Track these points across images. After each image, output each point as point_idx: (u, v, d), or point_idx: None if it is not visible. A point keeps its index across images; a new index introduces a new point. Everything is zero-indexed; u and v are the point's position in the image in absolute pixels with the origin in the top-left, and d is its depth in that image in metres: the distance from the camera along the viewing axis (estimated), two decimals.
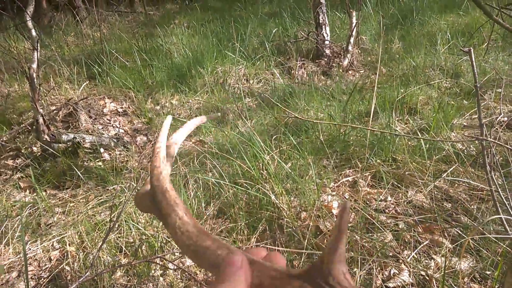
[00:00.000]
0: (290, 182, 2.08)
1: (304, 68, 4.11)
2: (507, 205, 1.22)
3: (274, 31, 4.87)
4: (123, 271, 1.61)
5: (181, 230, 0.44)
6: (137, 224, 1.82)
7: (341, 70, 3.96)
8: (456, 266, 1.62)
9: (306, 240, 1.72)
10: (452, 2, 5.59)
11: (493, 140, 0.94)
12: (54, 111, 3.23)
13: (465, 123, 2.66)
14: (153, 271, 1.62)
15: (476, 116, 2.70)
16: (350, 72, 4.05)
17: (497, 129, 2.48)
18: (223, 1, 9.06)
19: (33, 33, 3.27)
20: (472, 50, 1.09)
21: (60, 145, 2.73)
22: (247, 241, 1.78)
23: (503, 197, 1.23)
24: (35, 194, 2.37)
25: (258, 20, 5.77)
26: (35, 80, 2.94)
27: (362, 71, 4.07)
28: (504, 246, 1.60)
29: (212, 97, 3.61)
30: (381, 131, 2.11)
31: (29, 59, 3.34)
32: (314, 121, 1.79)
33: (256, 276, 0.40)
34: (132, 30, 6.38)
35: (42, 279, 1.67)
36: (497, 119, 1.59)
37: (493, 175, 1.29)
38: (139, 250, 1.68)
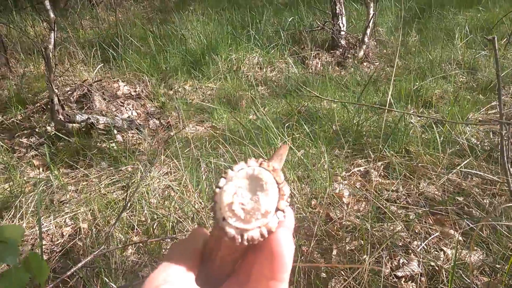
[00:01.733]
0: (302, 169, 2.08)
1: (319, 58, 4.08)
2: None
3: (289, 20, 4.83)
4: (135, 249, 1.64)
5: None
6: (149, 204, 1.84)
7: (356, 62, 3.93)
8: (466, 259, 1.61)
9: (316, 227, 1.72)
10: None
11: (510, 122, 0.93)
12: (69, 92, 3.26)
13: (480, 118, 2.63)
14: (163, 250, 1.64)
15: (493, 112, 2.67)
16: (365, 63, 4.02)
17: None
18: None
19: (51, 13, 3.29)
20: (495, 38, 1.07)
21: (74, 125, 2.76)
22: None
23: None
24: (48, 172, 2.40)
25: (273, 8, 5.73)
26: (51, 60, 2.96)
27: (377, 63, 4.03)
28: None
29: (225, 84, 3.61)
30: (396, 110, 2.09)
31: (45, 40, 3.36)
32: (331, 100, 1.78)
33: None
34: (147, 16, 6.38)
35: (55, 253, 1.70)
36: None
37: (509, 165, 1.27)
38: (151, 229, 1.70)
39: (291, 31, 4.68)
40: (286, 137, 2.28)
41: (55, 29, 3.12)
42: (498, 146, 1.74)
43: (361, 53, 3.99)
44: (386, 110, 2.14)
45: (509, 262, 1.41)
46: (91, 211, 1.89)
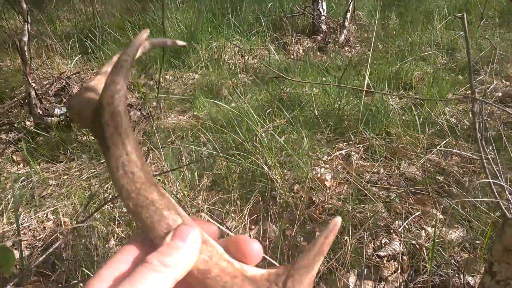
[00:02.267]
0: (284, 155, 2.08)
1: (300, 44, 4.07)
2: (496, 171, 1.23)
3: (269, 6, 4.79)
4: (117, 240, 1.63)
5: (125, 169, 0.35)
6: None
7: (337, 46, 3.93)
8: (446, 236, 1.64)
9: (298, 211, 1.73)
10: None
11: (483, 100, 0.94)
12: (47, 86, 3.20)
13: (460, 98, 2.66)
14: None
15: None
16: (346, 48, 4.02)
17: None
18: None
19: (23, 5, 3.20)
20: (465, 15, 1.07)
21: (53, 119, 2.71)
22: (240, 212, 1.79)
23: (494, 165, 1.24)
24: (28, 167, 2.36)
25: None
26: (26, 53, 2.90)
27: (358, 47, 4.03)
28: (495, 216, 1.62)
29: (207, 72, 3.58)
30: (372, 91, 2.10)
31: (20, 33, 3.28)
32: (311, 82, 1.78)
33: (203, 260, 0.34)
34: (126, 6, 6.26)
35: (37, 248, 1.68)
36: (489, 89, 1.60)
37: (483, 143, 1.29)
38: (131, 221, 1.69)
39: (272, 18, 4.64)
40: (268, 123, 2.28)
41: (29, 21, 3.04)
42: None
43: (342, 38, 3.99)
44: (364, 93, 2.15)
45: (486, 237, 1.44)
46: (72, 205, 1.87)
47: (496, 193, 1.21)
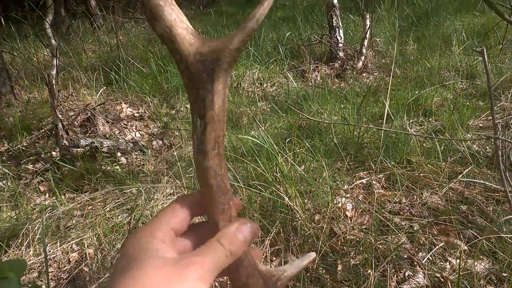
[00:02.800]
0: (304, 184, 2.09)
1: (318, 71, 4.11)
2: None
3: (287, 35, 4.89)
4: None
5: (219, 150, 0.42)
6: None
7: (355, 73, 3.96)
8: (471, 268, 1.61)
9: (320, 242, 1.72)
10: (467, 3, 5.53)
11: (505, 139, 0.94)
12: (73, 117, 3.31)
13: (481, 125, 2.63)
14: None
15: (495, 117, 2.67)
16: (364, 74, 4.04)
17: None
18: (237, 6, 9.12)
19: (53, 41, 3.37)
20: (485, 50, 1.09)
21: (78, 149, 2.80)
22: (261, 243, 1.79)
23: None
24: (54, 197, 2.43)
25: (271, 24, 5.80)
26: (54, 86, 3.02)
27: (376, 73, 4.05)
28: None
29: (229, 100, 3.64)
30: (389, 130, 2.11)
31: (48, 66, 3.43)
32: (325, 121, 1.80)
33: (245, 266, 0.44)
34: (148, 37, 6.48)
35: (62, 280, 1.71)
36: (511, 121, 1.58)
37: (507, 175, 1.28)
38: None
39: (290, 46, 4.73)
40: (287, 152, 2.29)
41: (57, 55, 3.19)
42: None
43: (360, 64, 4.02)
44: (385, 122, 2.15)
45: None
46: (96, 236, 1.91)
47: None
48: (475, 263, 1.61)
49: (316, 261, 1.68)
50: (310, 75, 4.02)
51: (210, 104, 0.41)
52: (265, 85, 4.01)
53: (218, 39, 0.41)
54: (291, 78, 3.90)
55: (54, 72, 3.15)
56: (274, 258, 1.78)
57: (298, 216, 1.83)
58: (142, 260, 0.37)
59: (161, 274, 0.36)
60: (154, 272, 0.36)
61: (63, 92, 3.97)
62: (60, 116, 2.97)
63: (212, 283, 0.38)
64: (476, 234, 1.72)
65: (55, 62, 3.21)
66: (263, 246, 1.77)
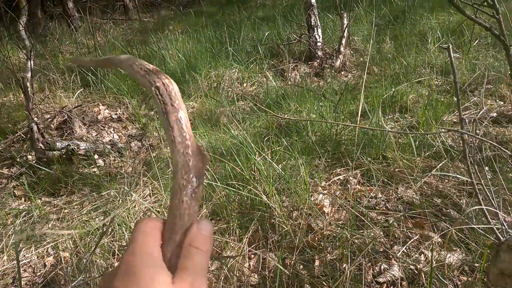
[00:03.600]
0: (282, 182, 2.10)
1: (297, 70, 4.14)
2: (490, 196, 1.24)
3: (266, 34, 4.90)
4: None
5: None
6: (130, 228, 1.84)
7: (333, 71, 4.00)
8: (445, 260, 1.64)
9: (297, 238, 1.74)
10: (442, 1, 5.63)
11: (466, 132, 0.96)
12: (49, 120, 3.26)
13: (455, 120, 2.69)
14: None
15: (467, 112, 2.73)
16: (342, 72, 4.08)
17: (486, 124, 2.51)
18: (217, 6, 9.11)
19: (27, 42, 3.30)
20: (450, 47, 1.11)
21: (54, 152, 2.75)
22: (239, 241, 1.80)
23: (486, 189, 1.26)
24: (30, 202, 2.39)
25: (251, 24, 5.81)
26: (29, 89, 2.97)
27: (355, 71, 4.10)
28: (492, 238, 1.62)
29: (206, 101, 3.64)
30: (363, 127, 2.13)
31: (23, 69, 3.37)
32: (302, 119, 1.81)
33: None
34: (127, 38, 6.42)
35: (37, 284, 1.68)
36: (479, 115, 1.62)
37: (476, 168, 1.31)
38: None
39: (269, 45, 4.75)
40: (266, 151, 2.30)
41: (32, 57, 3.13)
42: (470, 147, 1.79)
43: (338, 63, 4.06)
44: (362, 120, 2.17)
45: (483, 260, 1.44)
46: (72, 239, 1.88)
47: (489, 218, 1.22)
48: (448, 254, 1.64)
49: (294, 258, 1.69)
50: (290, 74, 4.04)
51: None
52: (245, 84, 4.02)
53: None
54: (271, 77, 3.91)
55: (29, 75, 3.09)
56: (252, 256, 1.78)
57: (276, 213, 1.84)
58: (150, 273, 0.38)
59: None
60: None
61: (39, 95, 3.91)
62: (35, 119, 2.91)
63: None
64: (449, 226, 1.76)
65: (29, 64, 3.15)
66: (242, 244, 1.77)
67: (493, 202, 1.22)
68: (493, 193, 1.36)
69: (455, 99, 2.87)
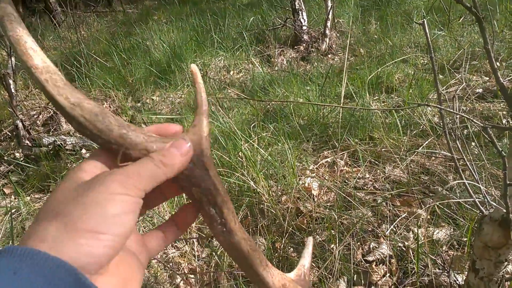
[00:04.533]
0: (272, 167, 2.10)
1: (283, 55, 4.12)
2: (472, 171, 1.25)
3: (251, 20, 4.86)
4: None
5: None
6: None
7: (319, 55, 3.98)
8: (433, 236, 1.66)
9: (286, 222, 1.75)
10: None
11: (443, 108, 0.97)
12: (35, 116, 3.22)
13: (442, 97, 2.69)
14: None
15: (452, 89, 2.74)
16: (329, 55, 4.07)
17: (472, 100, 2.52)
18: None
19: (6, 39, 3.24)
20: (425, 22, 1.11)
21: (41, 149, 2.73)
22: None
23: (469, 164, 1.27)
24: (18, 199, 2.37)
25: (236, 10, 5.75)
26: (12, 86, 2.93)
27: (341, 54, 4.08)
28: (477, 212, 1.64)
29: (193, 90, 3.61)
30: (345, 106, 2.14)
31: (5, 66, 3.31)
32: (286, 101, 1.81)
33: None
34: (111, 30, 6.33)
35: None
36: (458, 90, 1.61)
37: (458, 144, 1.32)
38: None
39: (254, 31, 4.71)
40: (253, 136, 2.30)
41: (13, 54, 3.08)
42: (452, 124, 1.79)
43: (324, 46, 4.04)
44: (348, 101, 2.17)
45: (468, 233, 1.46)
46: None
47: (470, 192, 1.23)
48: (436, 230, 1.66)
49: (284, 241, 1.70)
50: (276, 60, 4.01)
51: (216, 190, 0.44)
52: (231, 72, 3.99)
53: (190, 132, 0.44)
54: (257, 63, 3.89)
55: (11, 71, 3.05)
56: None
57: (264, 199, 1.84)
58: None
59: (78, 186, 0.38)
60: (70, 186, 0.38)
61: (24, 92, 3.86)
62: (20, 116, 2.88)
63: (143, 193, 0.39)
64: (433, 204, 1.78)
65: (11, 61, 3.10)
66: None
67: (475, 176, 1.24)
68: (476, 168, 1.37)
69: (441, 76, 2.87)
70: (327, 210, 1.81)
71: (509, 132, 2.15)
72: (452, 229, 1.72)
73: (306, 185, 2.00)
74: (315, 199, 1.90)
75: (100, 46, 5.05)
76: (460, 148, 1.37)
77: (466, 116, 0.83)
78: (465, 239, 1.65)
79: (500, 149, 0.89)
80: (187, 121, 3.02)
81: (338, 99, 2.90)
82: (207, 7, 6.56)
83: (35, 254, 0.33)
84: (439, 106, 1.00)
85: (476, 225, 1.57)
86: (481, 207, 1.23)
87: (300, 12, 4.34)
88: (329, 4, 4.10)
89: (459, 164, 1.23)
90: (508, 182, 0.94)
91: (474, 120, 0.79)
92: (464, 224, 1.68)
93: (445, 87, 2.77)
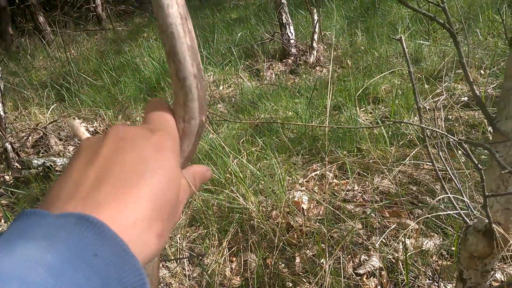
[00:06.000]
0: (261, 182, 2.11)
1: (272, 69, 4.15)
2: (455, 181, 1.27)
3: (239, 35, 4.91)
4: None
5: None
6: None
7: (308, 67, 4.02)
8: (423, 246, 1.67)
9: (277, 237, 1.75)
10: None
11: (419, 125, 0.99)
12: (24, 138, 3.21)
13: (428, 106, 2.73)
14: None
15: (437, 99, 2.78)
16: (317, 68, 4.11)
17: (457, 109, 2.55)
18: (190, 10, 9.05)
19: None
20: (402, 38, 1.13)
21: (31, 171, 2.72)
22: (219, 245, 1.80)
23: (451, 175, 1.28)
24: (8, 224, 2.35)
25: (225, 26, 5.81)
26: (0, 108, 2.93)
27: (329, 66, 4.13)
28: (463, 222, 1.65)
29: None
30: (332, 126, 2.16)
31: None
32: (276, 122, 1.82)
33: None
34: (101, 49, 6.36)
35: None
36: (440, 102, 1.64)
37: (442, 154, 1.34)
38: None
39: (243, 46, 4.75)
40: (242, 152, 2.31)
41: (0, 76, 3.08)
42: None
43: (312, 58, 4.08)
44: (334, 113, 2.20)
45: (455, 243, 1.47)
46: None
47: (455, 204, 1.25)
48: (426, 240, 1.67)
49: (275, 257, 1.70)
50: (265, 73, 4.05)
51: None
52: (221, 87, 4.02)
53: None
54: (245, 78, 3.92)
55: None
56: (233, 259, 1.79)
57: (254, 215, 1.85)
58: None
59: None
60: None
61: (13, 113, 3.85)
62: (10, 138, 2.87)
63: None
64: (425, 213, 1.79)
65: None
66: (221, 248, 1.78)
67: (458, 186, 1.25)
68: (462, 176, 1.39)
69: (426, 86, 2.91)
70: (317, 223, 1.81)
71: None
72: (441, 239, 1.73)
73: (296, 199, 2.01)
74: (305, 213, 1.91)
75: (90, 65, 5.07)
76: (443, 158, 1.39)
77: (441, 132, 0.85)
78: (454, 248, 1.66)
79: (477, 162, 0.90)
80: None
81: (326, 111, 2.93)
82: (196, 23, 6.62)
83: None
84: (418, 125, 1.01)
85: (462, 234, 1.59)
86: (465, 218, 1.24)
87: (287, 26, 4.39)
88: (316, 17, 4.16)
89: (440, 175, 1.24)
90: (486, 194, 0.96)
91: (449, 135, 0.81)
92: (453, 234, 1.69)
93: (430, 96, 2.80)
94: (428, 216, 1.73)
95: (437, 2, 1.08)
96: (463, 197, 1.25)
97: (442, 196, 1.29)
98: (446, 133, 0.84)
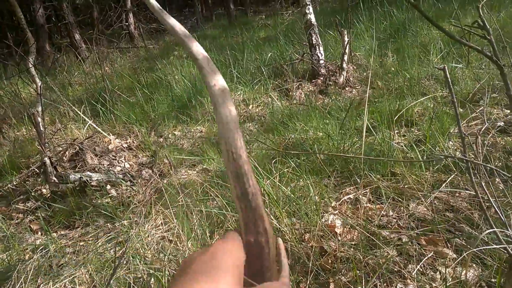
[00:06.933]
0: (292, 204, 2.11)
1: (301, 89, 4.18)
2: (500, 214, 1.24)
3: (269, 55, 4.98)
4: None
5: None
6: (144, 258, 1.86)
7: (337, 88, 4.03)
8: (461, 276, 1.63)
9: (310, 262, 1.74)
10: (443, 12, 5.68)
11: (467, 158, 0.98)
12: (61, 152, 3.32)
13: (463, 131, 2.68)
14: None
15: (473, 123, 2.73)
16: (347, 88, 4.12)
17: (493, 134, 2.50)
18: (220, 29, 9.27)
19: (37, 79, 3.40)
20: (446, 67, 1.14)
21: (68, 185, 2.81)
22: None
23: (495, 205, 1.26)
24: (46, 236, 2.43)
25: (254, 45, 5.90)
26: (40, 123, 3.05)
27: (359, 87, 4.13)
28: (506, 253, 1.60)
29: (214, 125, 3.69)
30: (366, 157, 2.14)
31: (34, 103, 3.46)
32: (313, 153, 1.83)
33: None
34: (133, 65, 6.55)
35: None
36: (482, 130, 1.61)
37: (482, 183, 1.31)
38: (146, 285, 1.72)
39: (272, 65, 4.81)
40: (274, 173, 2.32)
41: (41, 92, 3.22)
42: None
43: (341, 79, 4.09)
44: (368, 136, 2.19)
45: (498, 274, 1.43)
46: (88, 273, 1.91)
47: (501, 238, 1.22)
48: (464, 271, 1.63)
49: (309, 282, 1.69)
50: (294, 93, 4.08)
51: None
52: (250, 106, 4.07)
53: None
54: (275, 98, 3.96)
55: (39, 109, 3.18)
56: None
57: (287, 237, 1.85)
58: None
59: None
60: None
61: (50, 128, 4.00)
62: (48, 152, 2.98)
63: None
64: (462, 242, 1.75)
65: (39, 99, 3.24)
66: None
67: (503, 219, 1.23)
68: (502, 205, 1.36)
69: (461, 110, 2.87)
70: (352, 249, 1.79)
71: None
72: (480, 269, 1.68)
73: (329, 222, 2.00)
74: (339, 238, 1.89)
75: (124, 82, 5.22)
76: (483, 185, 1.36)
77: (484, 164, 0.84)
78: (494, 280, 1.61)
79: None
80: (207, 154, 3.06)
81: (357, 133, 2.92)
82: (226, 43, 6.76)
83: None
84: (464, 158, 1.01)
85: (505, 265, 1.54)
86: (511, 252, 1.21)
87: (317, 46, 4.43)
88: (346, 38, 4.18)
89: (484, 205, 1.22)
90: None
91: (501, 171, 0.80)
92: (492, 264, 1.64)
93: (465, 121, 2.76)
94: (474, 250, 1.69)
95: (483, 34, 1.08)
96: (508, 230, 1.23)
97: (489, 230, 1.26)
98: (494, 167, 0.83)
